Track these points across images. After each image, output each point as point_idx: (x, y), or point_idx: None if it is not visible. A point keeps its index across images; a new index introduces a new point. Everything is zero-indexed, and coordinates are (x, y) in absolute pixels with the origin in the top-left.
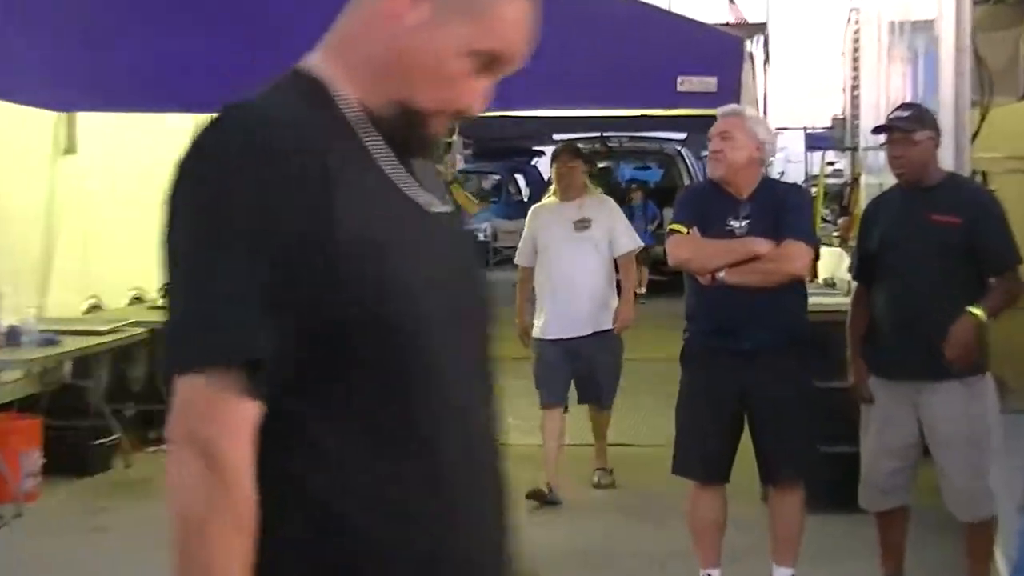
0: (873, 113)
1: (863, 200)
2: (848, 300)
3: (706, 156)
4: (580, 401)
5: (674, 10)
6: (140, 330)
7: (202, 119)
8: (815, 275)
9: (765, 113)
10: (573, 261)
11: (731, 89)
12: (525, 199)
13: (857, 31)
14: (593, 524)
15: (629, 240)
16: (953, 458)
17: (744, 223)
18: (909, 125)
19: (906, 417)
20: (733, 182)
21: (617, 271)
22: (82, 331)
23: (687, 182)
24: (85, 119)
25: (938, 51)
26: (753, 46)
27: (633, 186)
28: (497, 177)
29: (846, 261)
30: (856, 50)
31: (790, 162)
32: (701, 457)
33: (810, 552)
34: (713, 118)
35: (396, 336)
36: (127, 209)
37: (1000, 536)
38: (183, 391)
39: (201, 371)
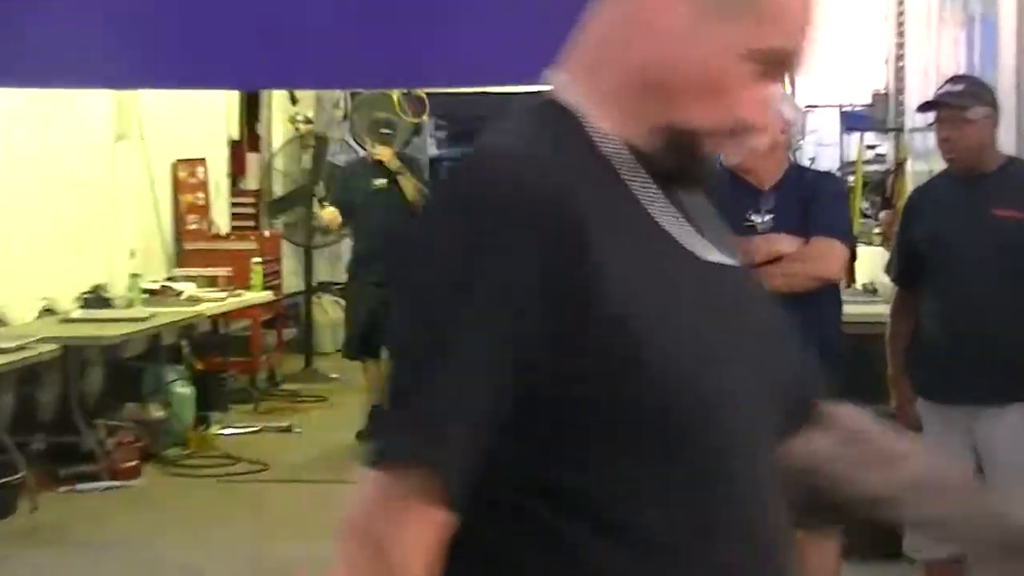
0: (921, 87)
1: (909, 190)
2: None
3: None
4: None
5: None
6: (51, 347)
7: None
8: (852, 279)
9: (792, 89)
10: None
11: None
12: None
13: None
14: None
15: None
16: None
17: (767, 218)
18: (962, 101)
19: (960, 446)
20: (753, 170)
21: None
22: None
23: None
24: None
25: (998, 14)
26: None
27: None
28: None
29: None
30: (901, 13)
31: (822, 146)
32: None
33: None
34: None
35: (673, 429)
36: (33, 204)
37: None
38: (371, 485)
39: (399, 468)
